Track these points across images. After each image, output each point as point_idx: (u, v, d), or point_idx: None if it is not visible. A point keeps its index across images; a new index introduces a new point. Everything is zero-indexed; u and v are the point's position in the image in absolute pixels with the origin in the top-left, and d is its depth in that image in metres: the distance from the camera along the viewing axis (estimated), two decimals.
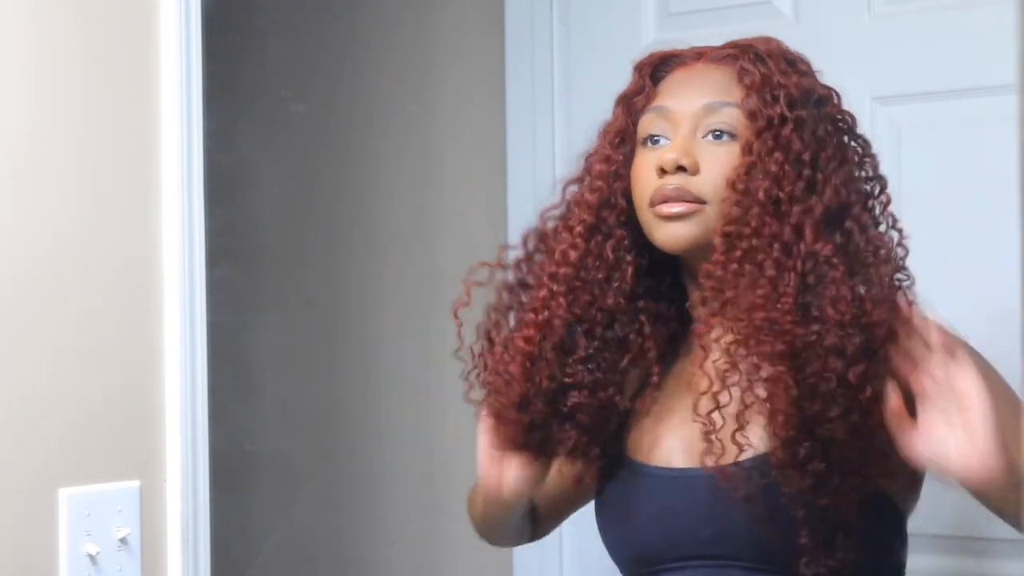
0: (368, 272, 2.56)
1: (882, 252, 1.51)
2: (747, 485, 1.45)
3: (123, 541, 1.58)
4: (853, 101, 1.67)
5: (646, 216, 1.55)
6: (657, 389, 1.60)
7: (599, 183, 1.60)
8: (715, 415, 1.47)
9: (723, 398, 1.47)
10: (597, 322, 1.57)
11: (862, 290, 1.46)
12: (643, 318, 1.60)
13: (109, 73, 1.61)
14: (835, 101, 1.58)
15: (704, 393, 1.47)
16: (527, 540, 1.84)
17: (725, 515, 1.48)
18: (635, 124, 1.60)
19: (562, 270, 1.57)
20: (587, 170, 1.63)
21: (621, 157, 1.60)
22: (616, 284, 1.58)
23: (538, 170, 2.53)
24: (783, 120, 1.51)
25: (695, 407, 1.48)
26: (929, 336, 1.37)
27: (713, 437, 1.47)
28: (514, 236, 2.52)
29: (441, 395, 2.57)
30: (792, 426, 1.43)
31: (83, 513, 1.55)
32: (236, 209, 2.31)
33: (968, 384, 1.35)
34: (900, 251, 1.54)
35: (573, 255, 1.57)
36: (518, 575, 2.52)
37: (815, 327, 1.42)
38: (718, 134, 1.53)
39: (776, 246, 1.46)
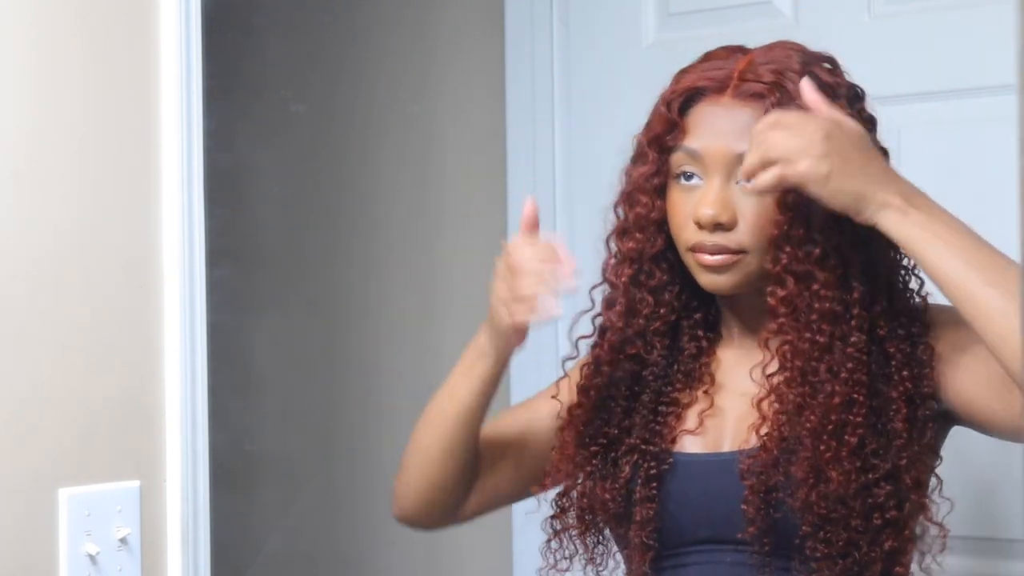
0: (368, 272, 2.56)
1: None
2: (781, 468, 1.50)
3: (123, 541, 1.58)
4: None
5: (687, 258, 1.58)
6: (687, 382, 1.64)
7: (638, 234, 1.61)
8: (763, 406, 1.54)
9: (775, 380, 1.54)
10: (647, 371, 1.62)
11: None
12: (686, 345, 1.64)
13: (109, 73, 1.61)
14: (862, 104, 1.59)
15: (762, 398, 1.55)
16: (451, 501, 1.73)
17: (753, 499, 1.51)
18: (667, 159, 1.59)
19: (609, 330, 1.62)
20: (625, 213, 1.63)
21: (657, 200, 1.60)
22: (656, 326, 1.61)
23: (538, 170, 2.53)
24: None
25: (756, 404, 1.55)
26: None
27: (760, 406, 1.54)
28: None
29: None
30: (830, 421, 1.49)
31: (83, 513, 1.55)
32: (236, 209, 2.31)
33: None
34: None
35: (618, 308, 1.61)
36: (518, 575, 2.52)
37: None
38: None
39: (830, 295, 1.51)
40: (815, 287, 1.51)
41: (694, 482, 1.57)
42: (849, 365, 1.49)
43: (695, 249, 1.55)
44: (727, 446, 1.58)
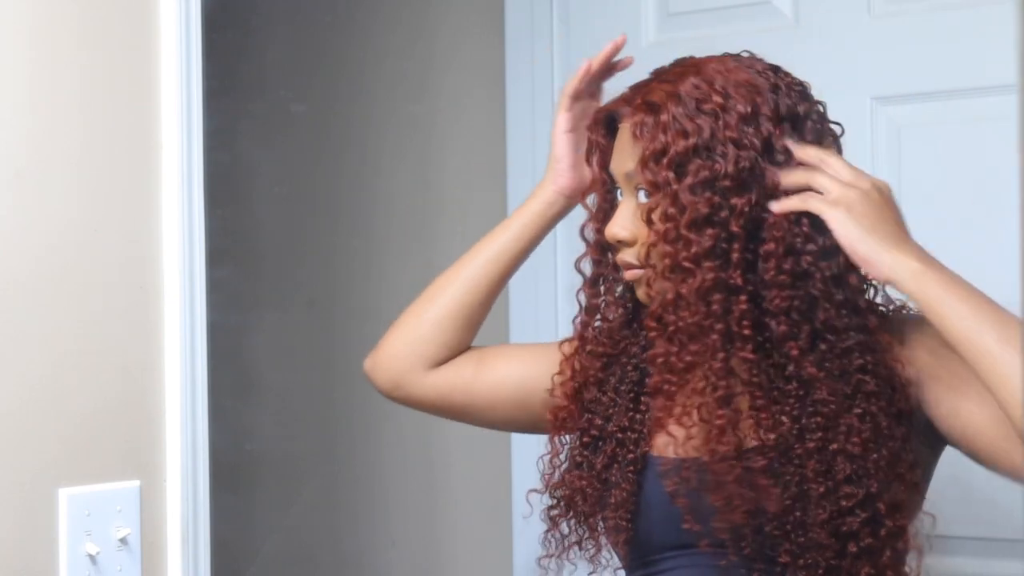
0: (368, 272, 2.56)
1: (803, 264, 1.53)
2: (746, 472, 1.49)
3: (123, 541, 1.58)
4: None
5: None
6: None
7: (592, 255, 1.64)
8: (722, 408, 1.51)
9: (726, 395, 1.51)
10: (613, 370, 1.64)
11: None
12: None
13: (109, 73, 1.61)
14: (764, 115, 1.53)
15: (715, 392, 1.52)
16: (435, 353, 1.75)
17: (724, 503, 1.50)
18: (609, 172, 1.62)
19: (580, 323, 1.65)
20: (590, 211, 1.67)
21: (608, 204, 1.63)
22: (615, 323, 1.64)
23: (538, 170, 2.52)
24: (668, 184, 1.51)
25: (705, 401, 1.52)
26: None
27: (718, 427, 1.51)
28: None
29: None
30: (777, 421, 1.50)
31: (83, 513, 1.55)
32: (236, 209, 2.31)
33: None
34: None
35: (585, 303, 1.65)
36: (518, 575, 2.52)
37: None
38: (646, 193, 1.55)
39: (693, 312, 1.50)
40: (669, 299, 1.51)
41: (663, 483, 1.57)
42: (723, 383, 1.49)
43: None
44: (684, 452, 1.56)
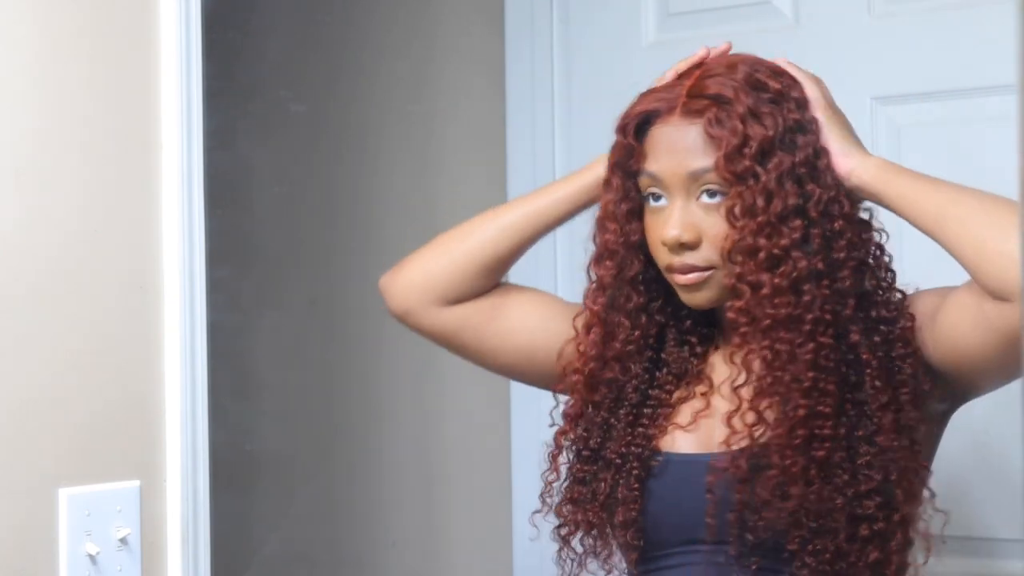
0: (368, 272, 2.55)
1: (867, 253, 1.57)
2: (752, 470, 1.50)
3: (123, 541, 1.58)
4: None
5: (667, 276, 1.59)
6: (678, 383, 1.64)
7: (608, 261, 1.62)
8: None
9: (744, 392, 1.54)
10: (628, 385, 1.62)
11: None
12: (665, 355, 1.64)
13: (109, 73, 1.61)
14: (808, 111, 1.56)
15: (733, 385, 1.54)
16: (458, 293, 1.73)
17: (728, 500, 1.51)
18: (634, 183, 1.59)
19: (584, 350, 1.63)
20: (600, 237, 1.64)
21: (627, 225, 1.61)
22: (630, 349, 1.62)
23: (538, 170, 2.53)
24: (756, 176, 1.51)
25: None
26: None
27: (731, 422, 1.53)
28: None
29: (441, 395, 2.57)
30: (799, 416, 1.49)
31: (83, 513, 1.55)
32: (236, 209, 2.31)
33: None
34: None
35: (593, 337, 1.62)
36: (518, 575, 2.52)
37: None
38: (712, 192, 1.54)
39: (783, 300, 1.50)
40: (764, 293, 1.51)
41: (680, 481, 1.57)
42: (811, 375, 1.49)
43: (669, 269, 1.57)
44: (717, 447, 1.57)
